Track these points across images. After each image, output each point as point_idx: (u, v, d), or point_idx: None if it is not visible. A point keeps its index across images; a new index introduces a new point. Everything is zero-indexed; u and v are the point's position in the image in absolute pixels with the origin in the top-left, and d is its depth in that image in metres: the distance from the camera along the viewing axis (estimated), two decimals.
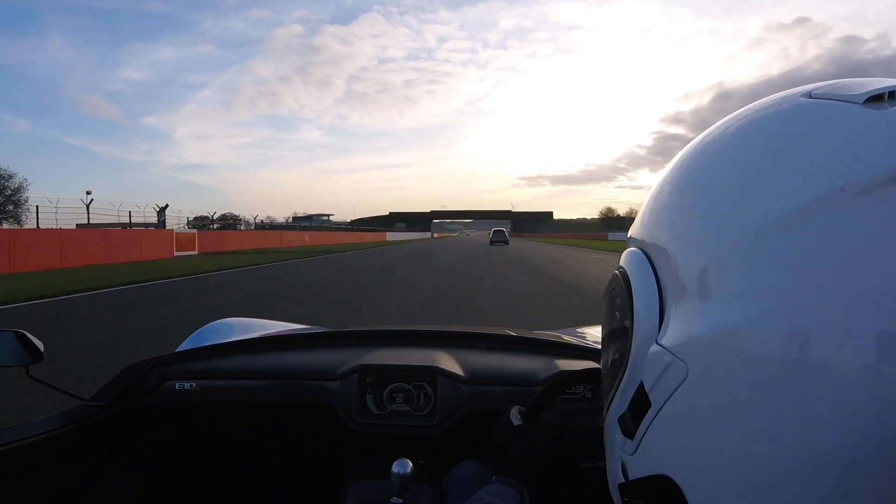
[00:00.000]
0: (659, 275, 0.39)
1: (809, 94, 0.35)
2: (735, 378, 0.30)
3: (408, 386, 0.99)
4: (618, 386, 0.41)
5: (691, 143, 0.42)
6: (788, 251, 0.29)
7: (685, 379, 0.33)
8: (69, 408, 0.92)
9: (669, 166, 0.44)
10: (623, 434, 0.39)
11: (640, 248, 0.43)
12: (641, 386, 0.37)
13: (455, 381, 0.97)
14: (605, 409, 0.45)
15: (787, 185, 0.31)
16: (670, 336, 0.36)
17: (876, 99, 0.32)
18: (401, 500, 0.81)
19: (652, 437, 0.37)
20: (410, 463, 0.81)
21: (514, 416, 0.72)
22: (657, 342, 0.37)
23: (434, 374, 0.98)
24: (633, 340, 0.39)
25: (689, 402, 0.33)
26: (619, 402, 0.41)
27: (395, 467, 0.81)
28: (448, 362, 1.01)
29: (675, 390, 0.34)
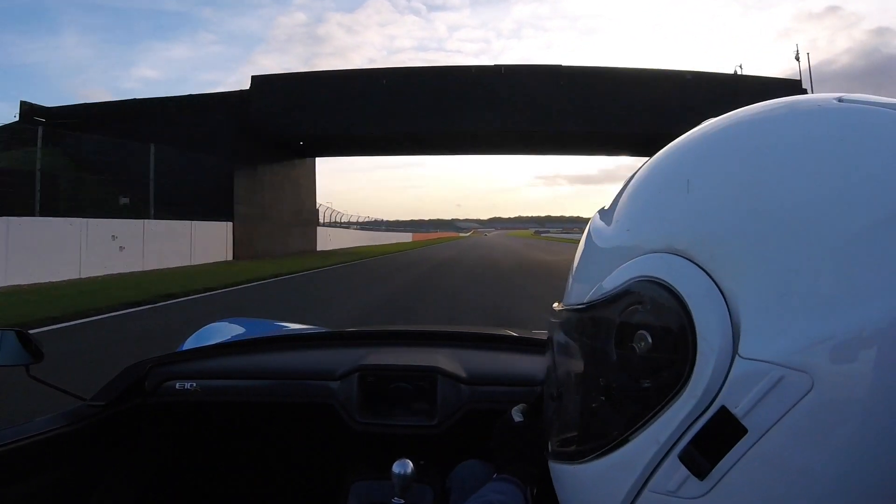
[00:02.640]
0: (717, 279, 0.34)
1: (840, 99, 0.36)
2: (871, 380, 0.28)
3: (409, 386, 0.99)
4: (655, 416, 0.35)
5: (713, 130, 0.40)
6: None
7: (809, 391, 0.30)
8: (69, 408, 0.92)
9: (695, 150, 0.40)
10: (691, 472, 0.33)
11: (680, 254, 0.37)
12: (724, 411, 0.32)
13: (456, 381, 0.97)
14: (611, 446, 0.38)
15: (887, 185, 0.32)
16: (768, 346, 0.31)
17: None
18: (402, 501, 0.81)
19: (741, 475, 0.32)
20: (411, 463, 0.81)
21: (517, 414, 0.72)
22: (740, 355, 0.32)
23: (434, 374, 0.98)
24: (696, 359, 0.33)
25: (813, 420, 0.30)
26: (667, 437, 0.34)
27: (396, 468, 0.81)
28: (448, 362, 1.01)
29: (793, 407, 0.30)
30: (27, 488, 0.80)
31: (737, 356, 0.32)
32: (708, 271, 0.35)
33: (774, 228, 0.33)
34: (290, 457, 1.13)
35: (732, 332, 0.33)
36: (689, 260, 0.36)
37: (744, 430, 0.31)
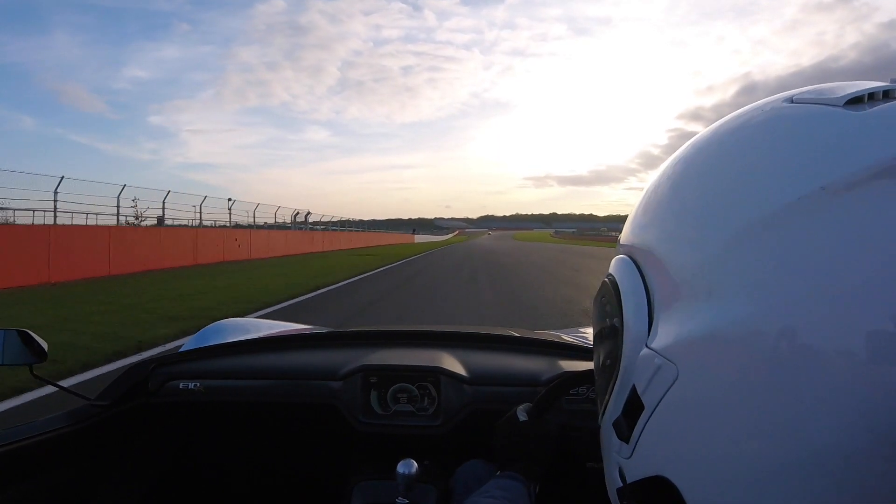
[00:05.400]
0: (647, 279, 0.40)
1: (791, 100, 0.36)
2: (726, 377, 0.31)
3: (411, 386, 1.00)
4: (611, 391, 0.42)
5: (678, 151, 0.43)
6: (774, 250, 0.30)
7: (675, 380, 0.34)
8: (73, 407, 0.93)
9: (657, 173, 0.45)
10: (618, 438, 0.40)
11: (628, 255, 0.44)
12: (634, 390, 0.38)
13: (459, 381, 0.98)
14: (601, 414, 0.46)
15: (769, 186, 0.32)
16: (660, 339, 0.36)
17: (856, 101, 0.32)
18: (406, 501, 0.83)
19: (647, 440, 0.37)
20: (415, 463, 0.83)
21: (521, 413, 0.73)
22: (647, 346, 0.37)
23: (437, 374, 0.98)
24: (623, 345, 0.40)
25: (681, 403, 0.34)
26: (614, 407, 0.41)
27: (400, 467, 0.82)
28: (451, 363, 1.01)
29: (667, 392, 0.34)
30: (32, 487, 0.81)
31: (644, 346, 0.38)
32: (643, 272, 0.41)
33: (679, 231, 0.38)
34: (294, 457, 1.13)
35: (649, 325, 0.38)
36: (634, 262, 0.42)
37: (643, 406, 0.37)
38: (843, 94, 0.33)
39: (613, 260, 0.46)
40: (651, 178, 0.45)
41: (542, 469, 0.69)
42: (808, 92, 0.36)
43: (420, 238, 66.24)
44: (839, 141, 0.31)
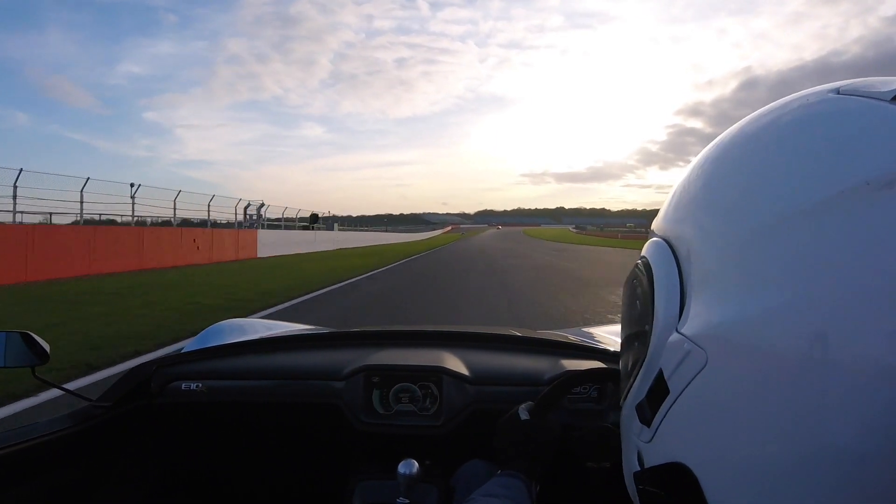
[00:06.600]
0: (681, 264, 0.40)
1: (838, 91, 0.36)
2: (753, 368, 0.30)
3: (414, 386, 1.00)
4: (637, 373, 0.42)
5: (719, 137, 0.43)
6: (811, 243, 0.30)
7: (704, 367, 0.34)
8: (75, 408, 0.93)
9: (696, 160, 0.44)
10: (640, 421, 0.40)
11: (663, 239, 0.44)
12: (661, 373, 0.38)
13: (461, 381, 0.98)
14: (623, 396, 0.46)
15: (812, 176, 0.32)
16: (691, 324, 0.36)
17: None
18: (407, 501, 0.83)
19: (669, 425, 0.37)
20: (416, 463, 0.83)
21: (523, 412, 0.73)
22: (677, 330, 0.37)
23: (440, 374, 0.99)
24: (653, 329, 0.40)
25: (707, 391, 0.34)
26: (638, 390, 0.42)
27: (402, 467, 0.82)
28: (454, 362, 1.01)
29: (694, 378, 0.34)
30: (34, 488, 0.81)
31: (675, 330, 0.37)
32: (677, 256, 0.41)
33: (715, 217, 0.37)
34: (296, 457, 1.13)
35: (680, 310, 0.38)
36: (671, 247, 0.42)
37: (668, 391, 0.37)
38: (889, 88, 0.32)
39: (647, 243, 0.46)
40: (689, 164, 0.45)
41: (542, 468, 0.69)
42: (854, 84, 0.35)
43: (335, 239, 29.53)
44: (885, 136, 0.30)
